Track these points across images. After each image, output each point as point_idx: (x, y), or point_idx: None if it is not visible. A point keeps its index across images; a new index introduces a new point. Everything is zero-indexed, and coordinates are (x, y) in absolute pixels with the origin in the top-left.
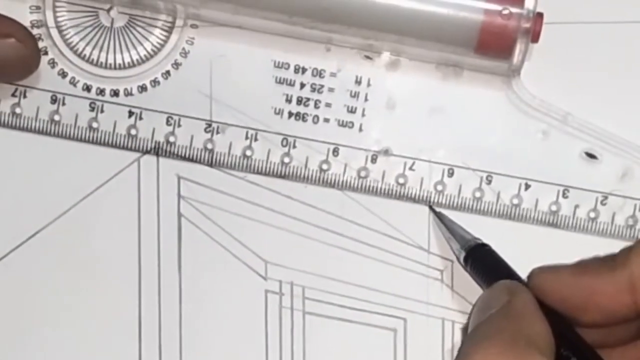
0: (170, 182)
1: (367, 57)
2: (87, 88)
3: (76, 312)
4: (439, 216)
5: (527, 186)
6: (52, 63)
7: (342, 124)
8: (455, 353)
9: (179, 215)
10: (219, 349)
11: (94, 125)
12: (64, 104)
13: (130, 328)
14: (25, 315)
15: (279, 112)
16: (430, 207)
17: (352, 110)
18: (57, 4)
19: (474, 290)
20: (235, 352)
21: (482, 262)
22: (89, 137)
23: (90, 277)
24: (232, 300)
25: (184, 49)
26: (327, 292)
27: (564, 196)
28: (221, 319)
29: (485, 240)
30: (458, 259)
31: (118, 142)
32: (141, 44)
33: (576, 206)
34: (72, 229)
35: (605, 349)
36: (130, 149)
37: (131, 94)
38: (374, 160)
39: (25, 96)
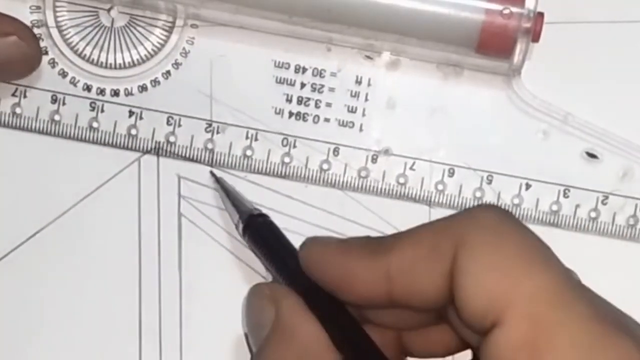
0: (170, 182)
1: (368, 57)
2: (88, 88)
3: (76, 312)
4: (220, 183)
5: (528, 186)
6: (53, 63)
7: (343, 124)
8: None
9: (179, 215)
10: (219, 349)
11: (94, 125)
12: (64, 103)
13: (130, 328)
14: (25, 315)
15: (279, 112)
16: (211, 173)
17: (352, 110)
18: (58, 3)
19: None
20: (236, 352)
21: (261, 235)
22: (89, 137)
23: (90, 277)
24: (232, 300)
25: (184, 48)
26: None
27: (565, 196)
28: (221, 319)
29: None
30: (238, 231)
31: (118, 142)
32: (141, 44)
33: (577, 206)
34: (72, 229)
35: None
36: (131, 149)
37: (131, 94)
38: (374, 160)
39: (25, 96)
